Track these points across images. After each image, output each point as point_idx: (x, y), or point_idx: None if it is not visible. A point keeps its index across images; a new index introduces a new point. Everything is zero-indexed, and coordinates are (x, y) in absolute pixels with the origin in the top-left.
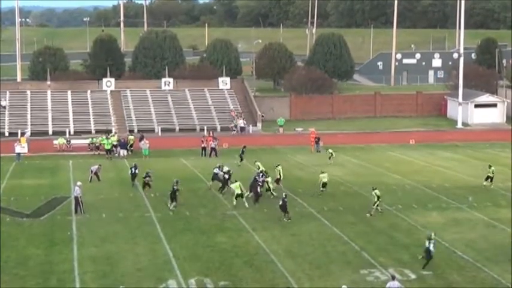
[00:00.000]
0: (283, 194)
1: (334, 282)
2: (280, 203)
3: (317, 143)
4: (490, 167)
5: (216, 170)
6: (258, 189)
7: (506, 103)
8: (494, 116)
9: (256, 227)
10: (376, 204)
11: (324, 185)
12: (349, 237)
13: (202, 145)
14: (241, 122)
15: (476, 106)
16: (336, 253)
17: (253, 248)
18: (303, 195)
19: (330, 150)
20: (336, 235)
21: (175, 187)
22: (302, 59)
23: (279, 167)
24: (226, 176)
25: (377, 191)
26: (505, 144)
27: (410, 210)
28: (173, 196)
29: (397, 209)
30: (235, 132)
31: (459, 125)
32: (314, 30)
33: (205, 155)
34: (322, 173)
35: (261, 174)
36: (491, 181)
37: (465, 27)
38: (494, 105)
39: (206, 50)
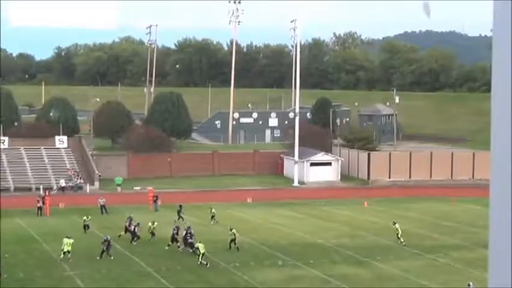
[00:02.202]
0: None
1: None
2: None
3: (155, 201)
4: (394, 223)
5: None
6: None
7: (340, 161)
8: (329, 174)
9: None
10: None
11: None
12: None
13: (38, 204)
14: (62, 182)
15: (312, 164)
16: None
17: None
18: (140, 254)
19: (214, 210)
20: None
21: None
22: (140, 117)
23: (234, 230)
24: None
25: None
26: (339, 202)
27: (248, 267)
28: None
29: (235, 267)
30: (55, 191)
31: (295, 183)
32: (152, 89)
33: (41, 214)
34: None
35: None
36: (398, 237)
37: (301, 87)
38: (329, 164)
39: (43, 107)
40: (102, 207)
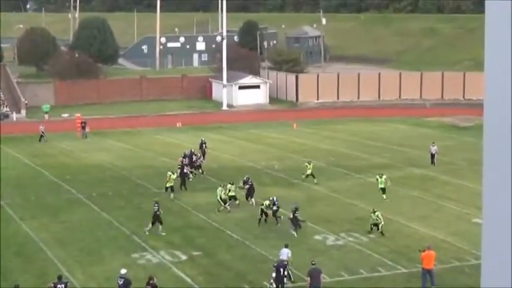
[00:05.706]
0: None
1: (106, 267)
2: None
3: (83, 128)
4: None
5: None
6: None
7: (268, 84)
8: (257, 97)
9: (24, 216)
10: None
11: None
12: (119, 222)
13: None
14: None
15: (240, 88)
16: (106, 238)
17: (22, 237)
18: (70, 181)
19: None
20: (106, 220)
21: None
22: (66, 43)
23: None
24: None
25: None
26: (268, 124)
27: (180, 192)
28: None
29: (168, 192)
30: None
31: (224, 107)
32: (77, 15)
33: None
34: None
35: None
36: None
37: (227, 11)
38: (258, 87)
39: None
40: (42, 134)
